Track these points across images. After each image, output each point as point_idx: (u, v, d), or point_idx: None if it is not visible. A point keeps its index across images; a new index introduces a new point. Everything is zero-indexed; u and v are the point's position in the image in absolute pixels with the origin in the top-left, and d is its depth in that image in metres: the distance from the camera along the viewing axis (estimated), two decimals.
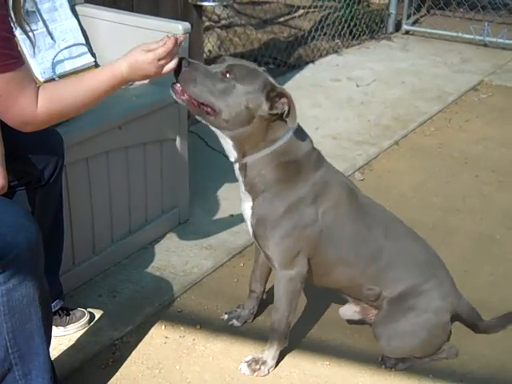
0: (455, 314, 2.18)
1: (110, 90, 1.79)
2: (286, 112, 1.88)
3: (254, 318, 2.34)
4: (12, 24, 1.67)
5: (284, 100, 1.87)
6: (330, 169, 2.08)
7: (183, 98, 1.88)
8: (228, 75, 1.85)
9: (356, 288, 2.13)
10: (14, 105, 1.63)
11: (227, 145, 1.95)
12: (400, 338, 2.10)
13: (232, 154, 1.96)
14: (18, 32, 1.79)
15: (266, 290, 2.34)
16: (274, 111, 1.88)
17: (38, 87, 1.69)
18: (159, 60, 1.78)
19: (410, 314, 2.08)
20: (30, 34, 1.87)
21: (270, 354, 2.11)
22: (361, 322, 2.26)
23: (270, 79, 1.93)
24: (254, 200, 2.00)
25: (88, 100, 1.76)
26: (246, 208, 2.04)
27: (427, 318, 2.08)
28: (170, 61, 1.80)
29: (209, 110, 1.87)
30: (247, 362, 2.12)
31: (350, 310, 2.23)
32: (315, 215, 1.97)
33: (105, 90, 1.78)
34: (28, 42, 1.93)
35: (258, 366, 2.10)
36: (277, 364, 2.14)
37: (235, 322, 2.32)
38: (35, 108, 1.66)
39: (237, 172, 2.00)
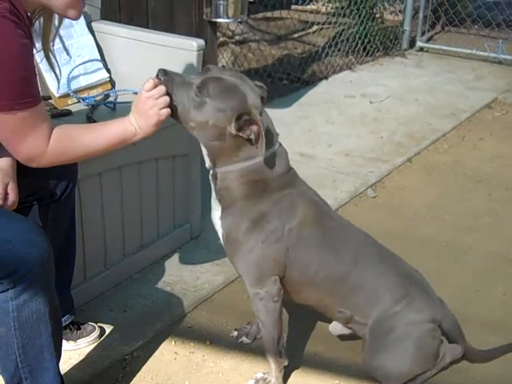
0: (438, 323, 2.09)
1: (121, 142, 1.79)
2: (253, 139, 1.83)
3: None
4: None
5: (254, 128, 1.81)
6: (301, 189, 2.01)
7: None
8: (200, 91, 1.80)
9: (327, 309, 2.10)
10: (24, 141, 1.64)
11: (202, 150, 1.93)
12: (393, 365, 2.04)
13: (206, 161, 1.94)
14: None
15: None
16: (241, 134, 1.82)
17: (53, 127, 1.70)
18: (153, 97, 1.74)
19: (391, 338, 2.02)
20: (56, 68, 1.92)
21: (271, 374, 2.10)
22: (354, 337, 2.21)
23: (250, 99, 1.83)
24: (222, 210, 1.97)
25: (97, 149, 1.77)
26: (215, 216, 2.01)
27: (408, 335, 2.01)
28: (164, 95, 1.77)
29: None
30: (256, 379, 2.12)
31: (338, 326, 2.17)
32: (280, 232, 1.93)
33: (114, 143, 1.78)
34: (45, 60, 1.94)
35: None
36: (286, 383, 2.13)
37: (245, 339, 2.31)
38: (45, 147, 1.67)
39: (210, 178, 1.98)
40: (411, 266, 2.15)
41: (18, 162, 1.77)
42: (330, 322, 2.21)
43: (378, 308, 2.03)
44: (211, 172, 1.96)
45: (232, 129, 1.81)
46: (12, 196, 1.78)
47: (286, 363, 2.11)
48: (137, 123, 1.76)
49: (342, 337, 2.29)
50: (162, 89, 1.75)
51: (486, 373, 2.20)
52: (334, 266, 2.03)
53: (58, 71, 1.95)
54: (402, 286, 2.05)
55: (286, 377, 2.16)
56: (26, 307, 1.64)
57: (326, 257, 2.02)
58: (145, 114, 1.75)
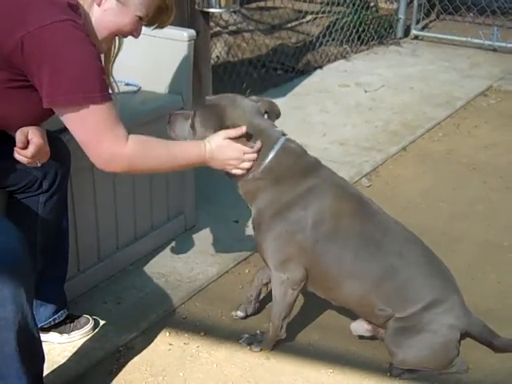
0: (466, 332, 2.15)
1: (191, 165, 1.94)
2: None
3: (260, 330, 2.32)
4: None
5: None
6: (328, 179, 2.09)
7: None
8: (192, 120, 2.02)
9: (367, 308, 2.11)
10: (104, 139, 1.69)
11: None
12: (409, 351, 2.08)
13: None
14: None
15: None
16: None
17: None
18: (243, 154, 1.94)
19: (420, 331, 2.05)
20: (115, 88, 2.00)
21: (266, 337, 2.21)
22: (372, 338, 2.24)
23: (230, 114, 2.00)
24: (250, 205, 2.11)
25: (168, 165, 1.88)
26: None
27: (437, 336, 2.06)
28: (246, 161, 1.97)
29: None
30: (249, 335, 2.26)
31: (362, 327, 2.21)
32: (304, 222, 2.01)
33: (186, 164, 1.92)
34: None
35: (253, 343, 2.23)
36: (280, 372, 2.14)
37: (239, 313, 2.37)
38: (124, 147, 1.72)
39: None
40: (449, 271, 2.18)
41: (5, 143, 1.77)
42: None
43: (417, 306, 2.06)
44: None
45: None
46: (35, 140, 1.76)
47: (282, 336, 2.20)
48: (212, 157, 1.89)
49: (336, 327, 2.30)
50: (253, 157, 1.96)
51: (480, 361, 2.20)
52: (377, 259, 2.05)
53: (116, 91, 2.01)
54: (445, 290, 2.10)
55: (279, 366, 2.17)
56: None
57: (367, 249, 2.05)
58: (224, 158, 1.92)
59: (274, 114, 2.10)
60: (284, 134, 2.09)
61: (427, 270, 2.11)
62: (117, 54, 2.01)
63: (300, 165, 2.07)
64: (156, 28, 1.90)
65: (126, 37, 1.88)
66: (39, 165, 1.82)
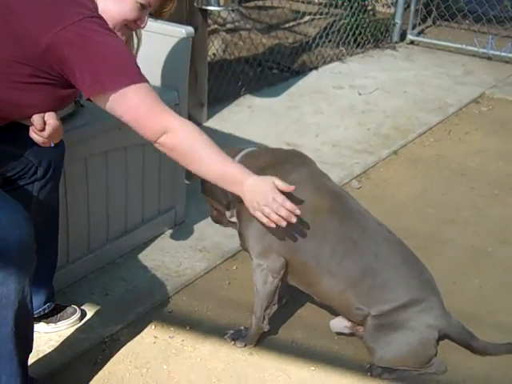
0: (444, 334, 2.19)
1: (220, 181, 1.87)
2: None
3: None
4: None
5: None
6: (311, 174, 2.17)
7: None
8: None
9: (345, 305, 2.15)
10: (155, 111, 1.75)
11: None
12: (387, 348, 2.12)
13: None
14: None
15: None
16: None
17: None
18: (272, 200, 1.87)
19: (398, 328, 2.09)
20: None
21: (249, 332, 2.25)
22: (351, 335, 2.28)
23: None
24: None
25: (208, 164, 1.83)
26: None
27: (415, 334, 2.10)
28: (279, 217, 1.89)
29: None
30: (234, 330, 2.28)
31: (340, 324, 2.25)
32: None
33: (218, 177, 1.86)
34: None
35: (237, 338, 2.26)
36: (263, 370, 2.17)
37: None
38: (174, 119, 1.77)
39: None
40: (430, 273, 2.21)
41: (9, 129, 1.83)
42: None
43: (394, 304, 2.10)
44: None
45: None
46: (52, 121, 1.81)
47: (265, 329, 2.24)
48: (251, 184, 1.86)
49: (320, 325, 2.33)
50: (284, 213, 1.88)
51: (459, 363, 2.24)
52: (354, 257, 2.09)
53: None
54: (422, 291, 2.14)
55: (262, 362, 2.20)
56: None
57: (345, 247, 2.09)
58: (254, 199, 1.87)
59: None
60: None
61: (405, 271, 2.15)
62: (137, 50, 2.08)
63: (283, 158, 2.16)
64: (159, 17, 1.93)
65: (133, 29, 1.91)
66: (53, 145, 1.89)
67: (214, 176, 1.86)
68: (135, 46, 2.08)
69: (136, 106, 1.73)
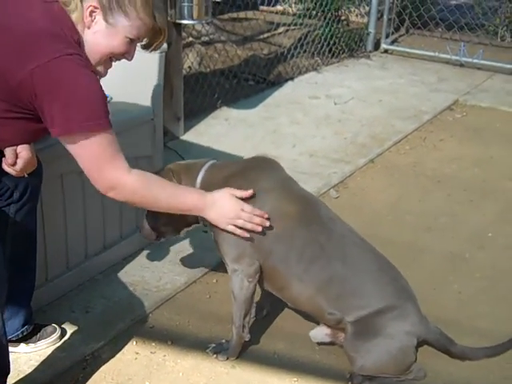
0: (423, 340, 2.20)
1: (188, 208, 1.97)
2: None
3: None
4: None
5: None
6: (280, 180, 2.20)
7: None
8: None
9: (318, 311, 2.17)
10: (108, 167, 1.74)
11: None
12: (367, 357, 2.13)
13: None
14: None
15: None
16: None
17: None
18: (242, 212, 2.00)
19: (376, 336, 2.11)
20: None
21: (230, 344, 2.25)
22: (331, 344, 2.29)
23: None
24: None
25: (165, 205, 1.92)
26: None
27: (394, 341, 2.11)
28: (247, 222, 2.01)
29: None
30: (216, 344, 2.28)
31: (320, 333, 2.26)
32: None
33: (184, 205, 1.95)
34: None
35: (219, 351, 2.26)
36: (246, 380, 2.17)
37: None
38: (127, 176, 1.78)
39: None
40: (405, 279, 2.22)
41: None
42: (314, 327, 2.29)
43: (369, 310, 2.11)
44: None
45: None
46: (24, 154, 1.84)
47: (246, 338, 2.25)
48: (212, 204, 1.96)
49: (301, 336, 2.34)
50: (249, 217, 2.00)
51: (440, 369, 2.26)
52: (320, 263, 2.11)
53: None
54: (397, 298, 2.15)
55: (244, 375, 2.20)
56: None
57: (312, 252, 2.11)
58: (224, 216, 1.98)
59: None
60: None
61: (378, 277, 2.16)
62: None
63: (250, 164, 2.24)
64: (152, 50, 1.91)
65: (119, 59, 1.88)
66: (26, 175, 1.92)
67: (175, 211, 1.99)
68: None
69: (93, 156, 1.73)
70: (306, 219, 2.14)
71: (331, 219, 2.20)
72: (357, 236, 2.22)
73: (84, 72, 1.69)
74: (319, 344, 2.31)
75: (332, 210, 2.25)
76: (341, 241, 2.16)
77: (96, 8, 1.73)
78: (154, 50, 1.92)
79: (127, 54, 1.84)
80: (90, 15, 1.73)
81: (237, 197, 2.00)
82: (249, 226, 2.01)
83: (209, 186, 2.10)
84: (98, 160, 1.73)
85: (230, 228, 2.02)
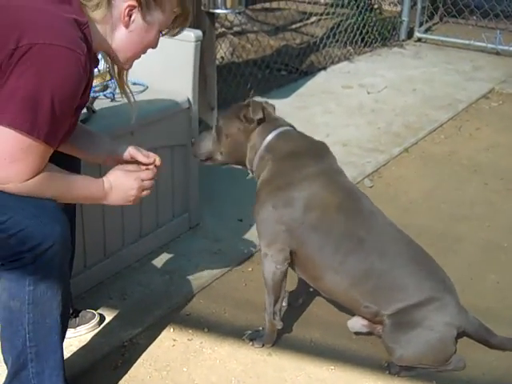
0: (462, 331, 2.19)
1: (91, 198, 1.83)
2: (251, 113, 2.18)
3: None
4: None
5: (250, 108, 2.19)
6: (327, 169, 2.19)
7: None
8: (216, 127, 2.26)
9: (354, 303, 2.17)
10: (11, 166, 1.57)
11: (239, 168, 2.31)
12: (407, 347, 2.12)
13: (247, 171, 2.29)
14: None
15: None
16: (251, 116, 2.19)
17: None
18: (141, 182, 1.91)
19: (416, 327, 2.10)
20: (131, 98, 1.99)
21: (264, 331, 2.27)
22: (368, 334, 2.28)
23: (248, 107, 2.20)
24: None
25: (66, 199, 1.78)
26: None
27: (433, 332, 2.10)
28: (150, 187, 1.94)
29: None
30: (251, 331, 2.29)
31: (357, 323, 2.25)
32: (295, 204, 2.10)
33: (86, 197, 1.82)
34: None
35: (255, 338, 2.27)
36: (282, 368, 2.18)
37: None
38: (26, 179, 1.60)
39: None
40: (444, 271, 2.21)
41: None
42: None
43: (407, 303, 2.10)
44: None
45: (240, 125, 2.21)
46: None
47: (279, 326, 2.25)
48: (109, 193, 1.83)
49: (337, 325, 2.34)
50: (151, 184, 1.94)
51: (478, 358, 2.24)
52: (358, 256, 2.10)
53: (132, 100, 2.00)
54: (436, 290, 2.13)
55: (281, 362, 2.21)
56: (42, 283, 1.66)
57: (349, 245, 2.10)
58: (124, 189, 1.87)
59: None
60: (291, 126, 2.28)
61: (416, 270, 2.14)
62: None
63: (305, 149, 2.20)
64: (175, 34, 1.93)
65: (120, 66, 1.86)
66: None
67: (81, 201, 1.99)
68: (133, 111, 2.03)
69: (7, 149, 1.55)
70: (345, 211, 2.13)
71: (372, 213, 2.18)
72: (396, 230, 2.20)
73: (74, 77, 1.58)
74: (357, 334, 2.30)
75: (374, 204, 2.24)
76: (380, 235, 2.14)
77: (134, 7, 1.72)
78: (179, 33, 1.94)
79: (154, 44, 1.85)
80: (128, 15, 1.72)
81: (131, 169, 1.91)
82: (149, 184, 1.93)
83: (270, 151, 2.16)
84: (5, 157, 1.56)
85: (138, 200, 1.90)
